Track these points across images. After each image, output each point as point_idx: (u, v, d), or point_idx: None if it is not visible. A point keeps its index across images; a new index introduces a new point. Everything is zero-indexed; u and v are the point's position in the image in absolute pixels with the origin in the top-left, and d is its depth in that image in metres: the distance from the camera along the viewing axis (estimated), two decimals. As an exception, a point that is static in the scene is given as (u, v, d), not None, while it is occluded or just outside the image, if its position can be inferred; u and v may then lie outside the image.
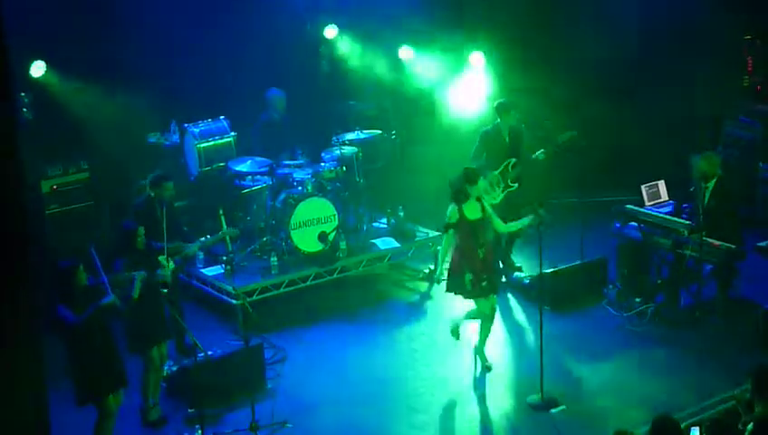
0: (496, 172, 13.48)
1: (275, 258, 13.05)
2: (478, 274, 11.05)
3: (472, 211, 11.09)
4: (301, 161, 13.96)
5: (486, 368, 11.49)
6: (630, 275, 12.96)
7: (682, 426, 9.06)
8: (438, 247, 13.96)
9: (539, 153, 13.56)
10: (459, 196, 11.09)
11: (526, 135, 13.92)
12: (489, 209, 11.23)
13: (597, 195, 14.00)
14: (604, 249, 13.49)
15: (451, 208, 11.11)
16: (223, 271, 13.01)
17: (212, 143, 14.31)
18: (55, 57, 13.40)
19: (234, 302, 12.61)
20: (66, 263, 9.71)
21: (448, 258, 11.34)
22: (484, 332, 11.47)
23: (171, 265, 10.82)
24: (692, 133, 15.31)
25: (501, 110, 13.66)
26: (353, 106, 15.57)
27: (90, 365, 9.62)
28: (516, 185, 13.56)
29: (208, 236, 12.18)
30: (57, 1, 13.27)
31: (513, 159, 13.56)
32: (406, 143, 15.68)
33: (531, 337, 12.20)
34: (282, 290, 13.02)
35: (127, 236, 10.40)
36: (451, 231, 11.14)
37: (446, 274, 11.38)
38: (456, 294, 11.29)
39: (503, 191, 13.47)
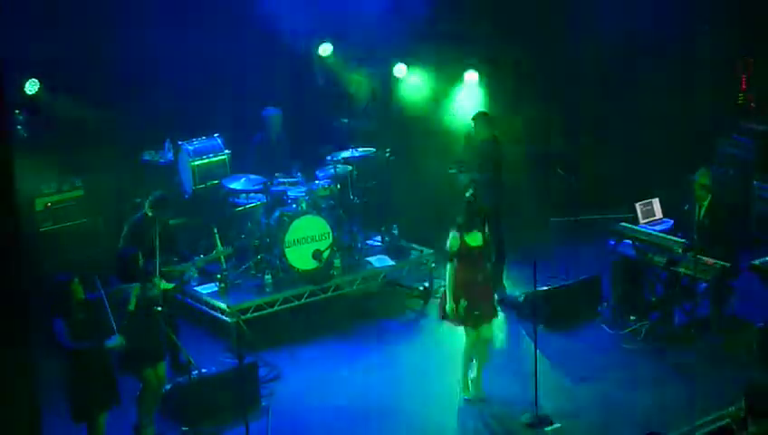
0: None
1: (270, 276, 13.04)
2: (474, 302, 10.96)
3: (473, 238, 11.02)
4: (295, 179, 13.96)
5: (480, 400, 11.27)
6: (625, 293, 12.97)
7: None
8: (432, 265, 14.03)
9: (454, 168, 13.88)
10: (463, 226, 11.00)
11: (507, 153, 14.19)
12: (488, 239, 11.18)
13: (591, 213, 14.01)
14: (598, 267, 13.50)
15: (452, 236, 11.02)
16: (217, 289, 12.98)
17: (206, 161, 14.32)
18: (50, 75, 13.40)
19: (228, 320, 12.59)
20: (62, 276, 9.75)
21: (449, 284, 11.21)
22: (479, 364, 11.31)
23: (164, 285, 10.80)
24: (686, 151, 15.33)
25: (475, 120, 14.01)
26: (347, 124, 15.58)
27: (85, 383, 9.64)
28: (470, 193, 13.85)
29: (202, 256, 12.21)
30: (51, 19, 13.27)
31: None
32: (400, 161, 15.68)
33: (525, 355, 12.17)
34: (276, 308, 12.99)
35: (128, 261, 10.38)
36: (455, 259, 11.09)
37: (446, 300, 11.18)
38: (449, 320, 11.23)
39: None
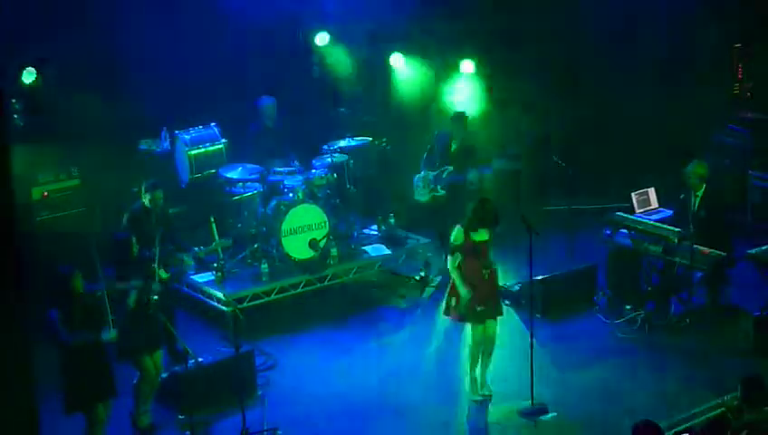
0: (432, 174, 14.06)
1: (266, 265, 13.04)
2: (476, 297, 10.84)
3: (478, 234, 10.91)
4: (292, 168, 13.95)
5: (485, 397, 11.15)
6: (620, 283, 12.99)
7: (672, 432, 9.12)
8: (429, 254, 14.04)
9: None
10: (470, 223, 10.88)
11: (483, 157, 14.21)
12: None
13: (587, 202, 14.02)
14: (594, 257, 13.52)
15: (457, 230, 10.92)
16: (214, 278, 12.98)
17: (203, 150, 14.31)
18: (46, 64, 13.38)
19: (224, 309, 12.60)
20: (65, 269, 9.70)
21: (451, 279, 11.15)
22: (484, 360, 11.17)
23: (163, 274, 10.81)
24: (682, 141, 15.33)
25: (455, 119, 14.12)
26: (344, 113, 15.58)
27: (79, 375, 9.62)
28: (443, 192, 13.85)
29: (201, 248, 12.19)
30: (48, 8, 13.25)
31: (450, 168, 13.97)
32: (396, 150, 15.69)
33: (521, 345, 12.18)
34: (272, 297, 13.00)
35: (121, 246, 10.38)
36: (457, 253, 11.06)
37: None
38: (449, 316, 11.15)
39: (429, 192, 14.08)
